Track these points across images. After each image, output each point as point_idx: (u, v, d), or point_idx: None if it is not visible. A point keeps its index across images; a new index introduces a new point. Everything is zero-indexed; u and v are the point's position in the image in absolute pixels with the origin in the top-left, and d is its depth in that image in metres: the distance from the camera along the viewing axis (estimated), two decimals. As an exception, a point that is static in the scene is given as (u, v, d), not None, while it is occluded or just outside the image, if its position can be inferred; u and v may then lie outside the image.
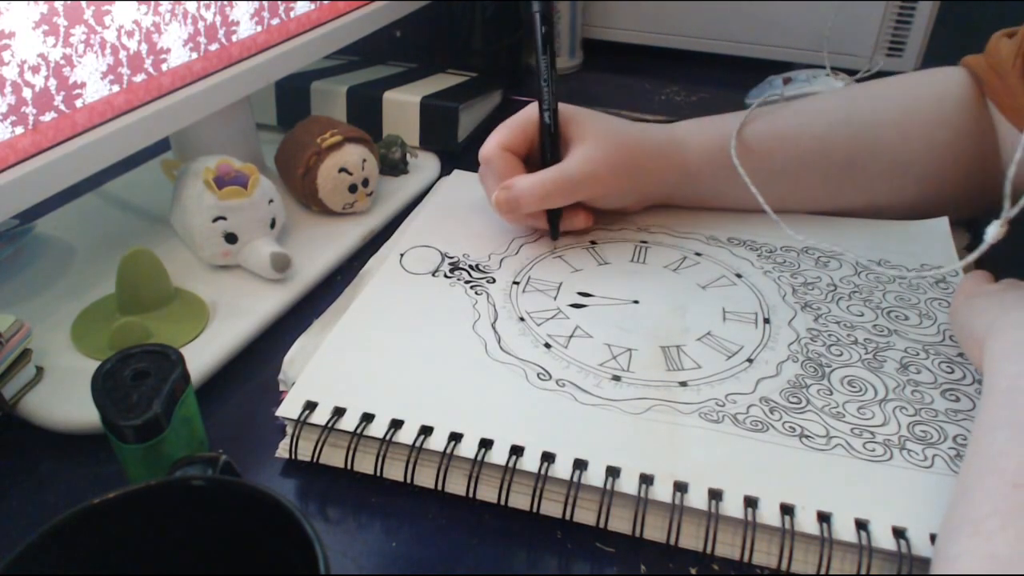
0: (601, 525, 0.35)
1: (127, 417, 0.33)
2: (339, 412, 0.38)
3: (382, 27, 0.65)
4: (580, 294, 0.48)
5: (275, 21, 0.55)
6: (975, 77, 0.54)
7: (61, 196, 0.47)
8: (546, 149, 0.51)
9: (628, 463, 0.36)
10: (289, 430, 0.39)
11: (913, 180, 0.54)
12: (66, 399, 0.40)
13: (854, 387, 0.41)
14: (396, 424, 0.38)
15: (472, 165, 0.54)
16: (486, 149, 0.51)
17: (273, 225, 0.51)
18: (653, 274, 0.50)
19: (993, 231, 0.36)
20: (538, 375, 0.41)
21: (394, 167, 0.62)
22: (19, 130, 0.39)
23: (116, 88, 0.44)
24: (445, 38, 0.76)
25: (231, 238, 0.49)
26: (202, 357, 0.43)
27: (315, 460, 0.38)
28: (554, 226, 0.52)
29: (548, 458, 0.36)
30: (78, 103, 0.42)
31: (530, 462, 0.36)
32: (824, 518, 0.34)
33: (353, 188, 0.55)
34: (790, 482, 0.35)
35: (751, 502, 0.34)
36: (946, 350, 0.43)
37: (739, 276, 0.49)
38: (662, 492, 0.35)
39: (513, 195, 0.49)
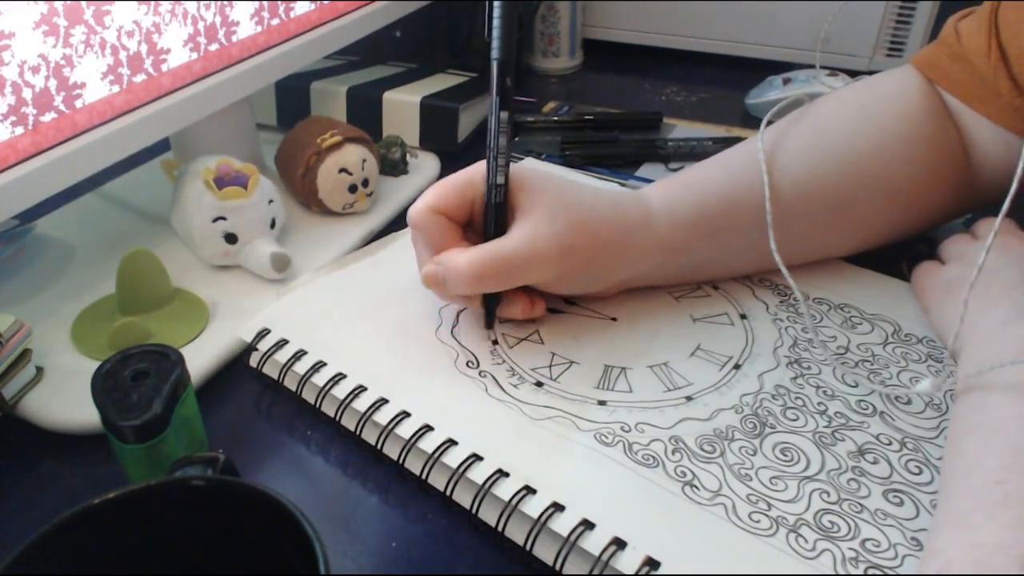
0: (474, 511, 0.35)
1: (127, 417, 0.33)
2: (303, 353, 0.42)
3: (382, 27, 0.65)
4: (564, 299, 0.46)
5: (275, 21, 0.55)
6: (931, 74, 0.49)
7: (61, 196, 0.47)
8: (489, 223, 0.42)
9: (494, 456, 0.36)
10: (262, 346, 0.43)
11: (902, 207, 0.48)
12: (66, 399, 0.40)
13: (785, 455, 0.36)
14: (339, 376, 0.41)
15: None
16: (414, 212, 0.42)
17: (273, 225, 0.51)
18: (653, 297, 0.46)
19: None
20: (467, 363, 0.42)
21: (394, 167, 0.62)
22: (19, 130, 0.39)
23: (116, 88, 0.44)
24: (445, 38, 0.76)
25: (231, 238, 0.49)
26: (202, 357, 0.43)
27: (280, 380, 0.43)
28: (489, 312, 0.43)
29: (451, 443, 0.37)
30: (78, 103, 0.42)
31: (429, 445, 0.37)
32: (653, 564, 0.31)
33: (353, 188, 0.55)
34: (642, 520, 0.33)
35: (587, 524, 0.32)
36: (930, 448, 0.36)
37: (743, 317, 0.45)
38: (504, 489, 0.34)
39: (442, 273, 0.40)
